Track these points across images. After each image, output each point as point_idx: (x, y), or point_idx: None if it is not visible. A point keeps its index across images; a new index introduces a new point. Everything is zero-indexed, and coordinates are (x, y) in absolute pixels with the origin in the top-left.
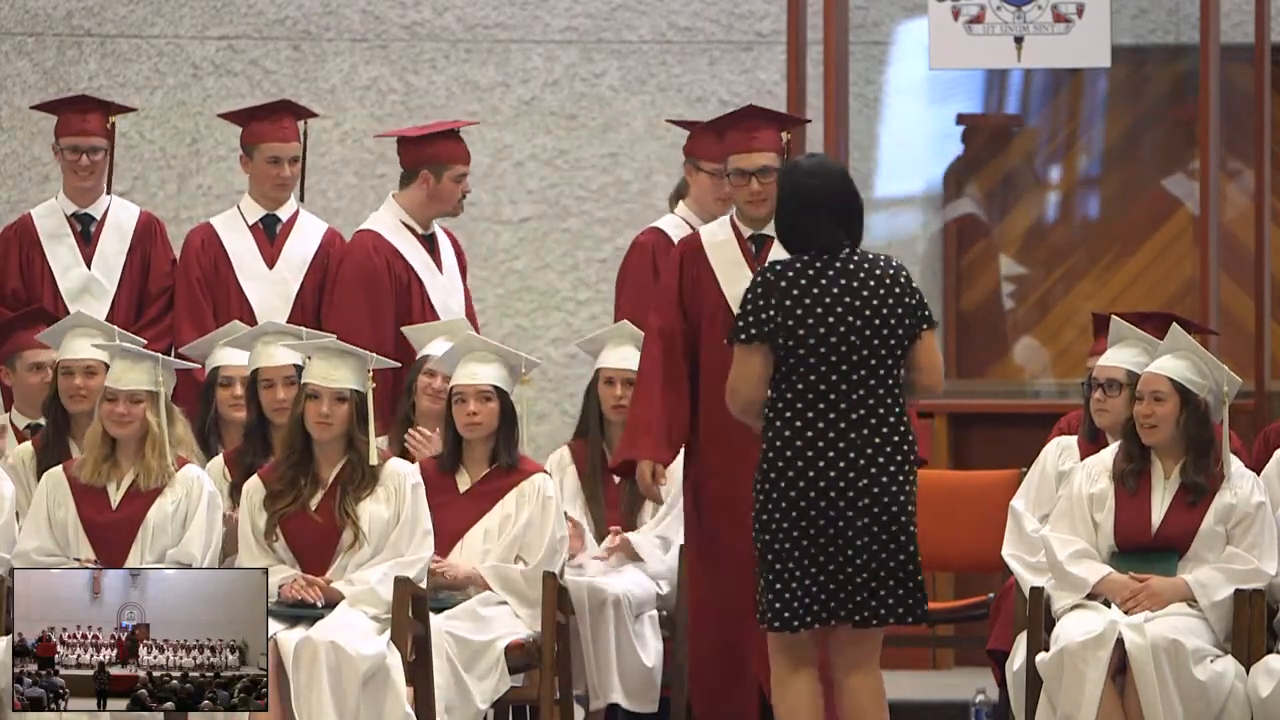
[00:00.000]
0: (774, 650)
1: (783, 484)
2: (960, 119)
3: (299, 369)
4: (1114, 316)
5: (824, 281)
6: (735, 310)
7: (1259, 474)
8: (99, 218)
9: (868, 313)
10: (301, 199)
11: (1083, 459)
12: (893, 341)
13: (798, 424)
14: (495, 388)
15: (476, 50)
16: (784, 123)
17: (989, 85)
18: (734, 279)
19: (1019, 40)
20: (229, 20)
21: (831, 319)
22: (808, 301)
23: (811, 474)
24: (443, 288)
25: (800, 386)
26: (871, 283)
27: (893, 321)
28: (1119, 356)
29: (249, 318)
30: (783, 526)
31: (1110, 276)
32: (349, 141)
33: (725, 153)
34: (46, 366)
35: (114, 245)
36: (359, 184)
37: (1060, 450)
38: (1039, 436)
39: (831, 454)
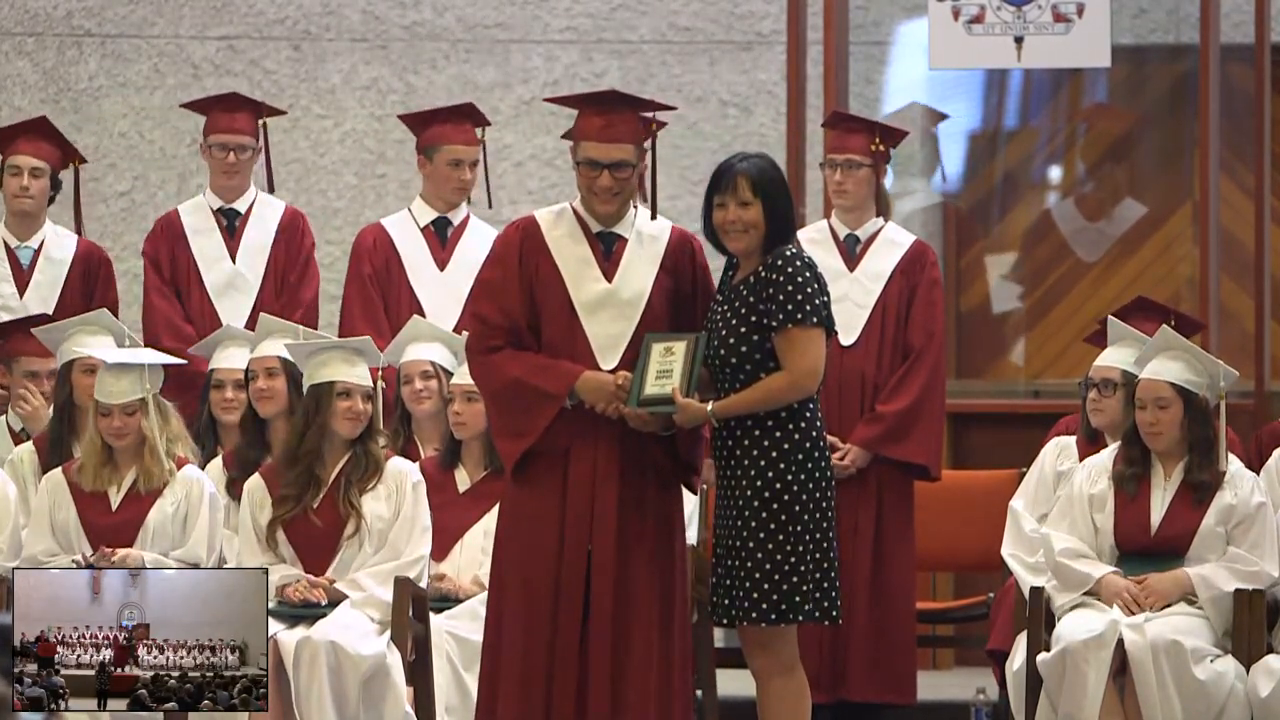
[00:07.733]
0: (784, 645)
1: (829, 470)
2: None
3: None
4: (1110, 317)
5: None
6: (579, 313)
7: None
8: (244, 212)
9: None
10: (489, 205)
11: (1081, 459)
12: None
13: (823, 409)
14: None
15: (476, 50)
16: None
17: (989, 85)
18: (581, 280)
19: (1019, 40)
20: (229, 20)
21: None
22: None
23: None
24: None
25: (826, 368)
26: None
27: None
28: (1115, 357)
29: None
30: (826, 513)
31: (1110, 276)
32: (349, 141)
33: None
34: (41, 376)
35: (258, 239)
36: (359, 184)
37: (1059, 450)
38: (1039, 436)
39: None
